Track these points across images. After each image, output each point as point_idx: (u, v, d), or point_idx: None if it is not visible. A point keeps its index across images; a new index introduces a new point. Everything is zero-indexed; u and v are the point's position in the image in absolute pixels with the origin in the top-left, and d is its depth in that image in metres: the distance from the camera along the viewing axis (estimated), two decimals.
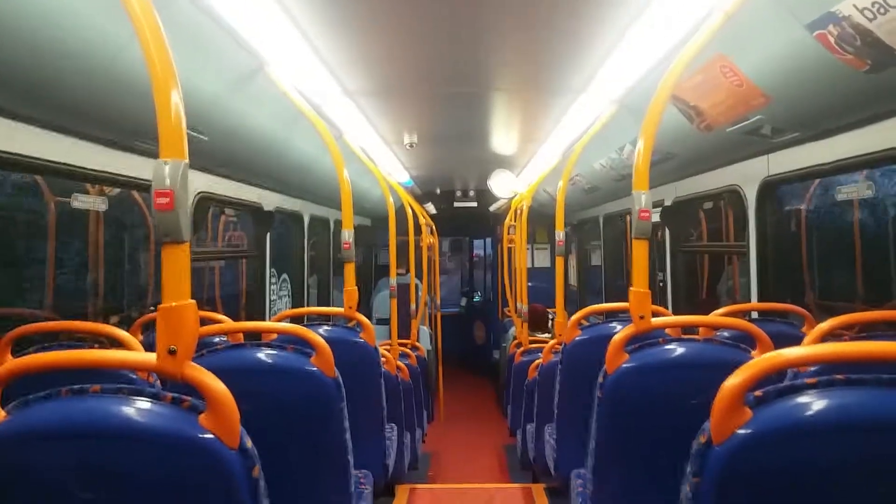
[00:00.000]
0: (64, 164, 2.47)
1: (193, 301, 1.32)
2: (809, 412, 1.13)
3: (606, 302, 6.39)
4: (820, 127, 2.62)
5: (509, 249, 7.49)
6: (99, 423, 1.25)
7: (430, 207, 9.60)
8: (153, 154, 1.30)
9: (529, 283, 6.04)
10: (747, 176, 3.34)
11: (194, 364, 1.30)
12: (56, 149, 2.42)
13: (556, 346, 3.65)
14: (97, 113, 2.37)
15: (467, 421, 7.66)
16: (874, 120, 2.36)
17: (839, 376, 1.14)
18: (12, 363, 1.35)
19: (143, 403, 1.26)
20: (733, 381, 1.16)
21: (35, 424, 1.25)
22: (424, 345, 7.03)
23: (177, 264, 1.30)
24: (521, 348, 5.34)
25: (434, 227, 8.26)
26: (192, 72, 2.48)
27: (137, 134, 2.63)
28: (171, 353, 1.27)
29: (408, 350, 5.67)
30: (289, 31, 2.49)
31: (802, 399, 1.14)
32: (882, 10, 1.65)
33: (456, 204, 9.65)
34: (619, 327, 2.59)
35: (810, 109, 2.44)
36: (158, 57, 1.27)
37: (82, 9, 1.84)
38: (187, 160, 1.30)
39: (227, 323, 2.64)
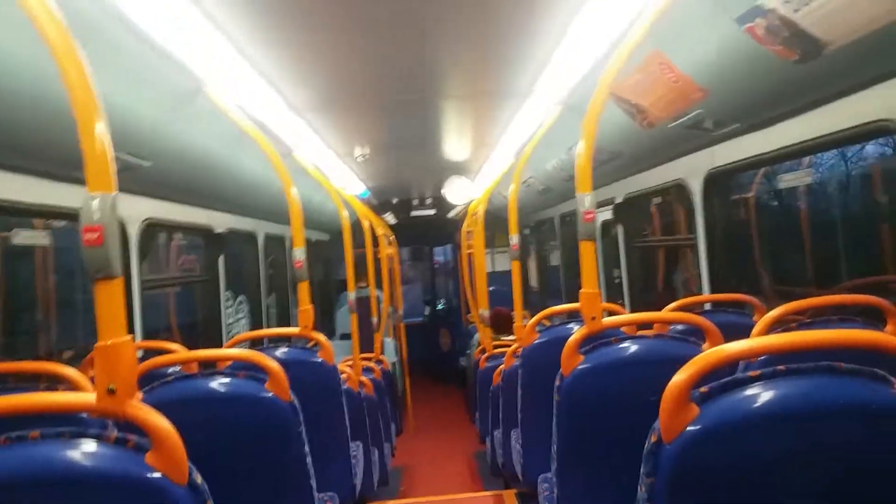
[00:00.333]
0: (3, 199, 2.39)
1: (130, 337, 1.27)
2: (753, 405, 1.14)
3: (566, 302, 6.44)
4: (758, 117, 2.68)
5: (469, 255, 7.50)
6: (40, 471, 1.20)
7: (389, 217, 9.57)
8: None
9: (491, 287, 6.04)
10: (693, 169, 3.40)
11: (135, 403, 1.26)
12: None
13: (518, 350, 3.65)
14: (30, 146, 2.30)
15: (437, 431, 7.62)
16: (810, 107, 2.41)
17: (781, 367, 1.16)
18: None
19: (87, 446, 1.22)
20: (679, 378, 1.17)
21: None
22: (389, 357, 6.98)
23: (110, 300, 1.25)
24: (486, 354, 5.34)
25: (393, 238, 8.22)
26: (128, 97, 2.42)
27: (75, 165, 2.55)
28: (111, 392, 1.23)
29: (372, 364, 5.62)
30: (226, 49, 2.44)
31: (746, 392, 1.15)
32: (805, 2, 1.69)
33: (413, 213, 9.64)
34: (576, 328, 2.60)
35: (747, 101, 2.49)
36: (80, 89, 1.23)
37: (4, 42, 1.78)
38: (116, 192, 1.26)
39: (177, 353, 2.58)
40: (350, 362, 4.35)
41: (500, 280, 8.74)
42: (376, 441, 4.36)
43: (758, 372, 1.16)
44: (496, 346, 5.47)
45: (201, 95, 2.81)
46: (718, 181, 3.29)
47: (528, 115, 3.90)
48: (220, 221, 4.58)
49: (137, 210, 3.42)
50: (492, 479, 5.00)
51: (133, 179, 2.97)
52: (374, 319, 6.46)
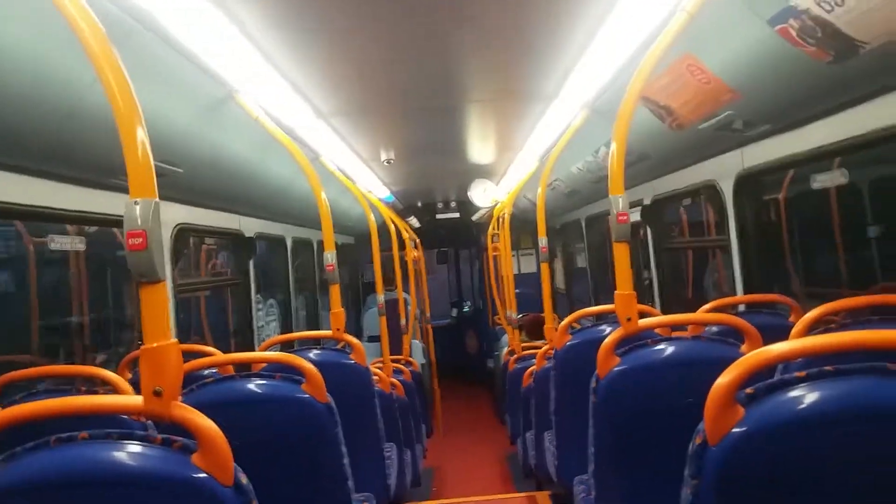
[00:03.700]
0: (41, 206, 2.45)
1: (175, 340, 1.30)
2: (801, 406, 1.13)
3: (595, 304, 6.40)
4: (790, 118, 2.65)
5: (495, 257, 7.49)
6: (90, 471, 1.23)
7: (413, 221, 9.61)
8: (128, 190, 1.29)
9: (517, 290, 6.04)
10: (723, 170, 3.37)
11: (181, 403, 1.29)
12: (31, 192, 2.40)
13: (549, 351, 3.65)
14: (69, 154, 2.35)
15: (467, 432, 7.63)
16: (843, 108, 2.38)
17: (828, 368, 1.14)
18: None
19: (134, 447, 1.25)
20: (723, 380, 1.16)
21: (26, 476, 1.23)
22: (417, 359, 7.00)
23: (155, 303, 1.28)
24: (515, 356, 5.33)
25: (418, 241, 8.25)
26: (161, 105, 2.47)
27: (111, 172, 2.61)
28: (157, 394, 1.26)
29: (401, 366, 5.65)
30: (256, 57, 2.48)
31: (793, 393, 1.14)
32: (839, 2, 1.67)
33: (438, 216, 9.66)
34: (608, 329, 2.60)
35: (779, 102, 2.47)
36: (122, 97, 1.26)
37: (44, 53, 1.83)
38: (157, 198, 1.29)
39: (215, 356, 2.62)
40: (380, 364, 4.38)
41: (525, 282, 8.72)
42: (408, 442, 4.38)
43: (804, 373, 1.15)
44: (525, 348, 5.47)
45: (232, 103, 2.86)
46: (750, 182, 3.26)
47: (554, 117, 3.90)
48: (250, 226, 4.64)
49: (170, 215, 3.48)
50: (524, 481, 4.99)
51: (166, 186, 3.02)
52: (403, 322, 6.49)
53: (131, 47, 2.04)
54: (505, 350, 6.65)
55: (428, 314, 8.19)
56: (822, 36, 1.83)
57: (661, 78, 2.67)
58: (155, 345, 1.27)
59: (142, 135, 1.28)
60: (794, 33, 1.91)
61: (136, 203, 1.27)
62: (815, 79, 2.11)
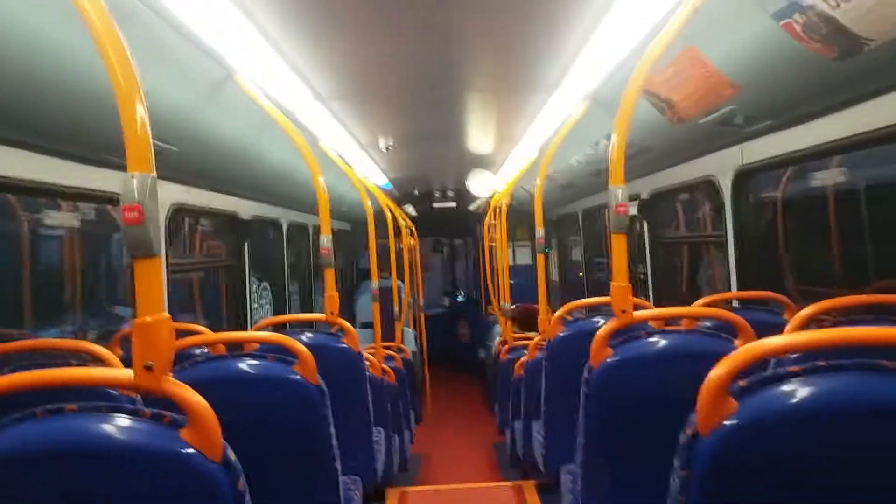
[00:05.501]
0: (35, 181, 2.43)
1: (168, 315, 1.30)
2: (795, 400, 1.13)
3: (588, 296, 6.42)
4: (791, 115, 2.65)
5: (490, 248, 7.50)
6: (78, 443, 1.22)
7: (410, 209, 9.60)
8: (124, 168, 1.28)
9: (511, 281, 6.05)
10: (722, 165, 3.37)
11: (172, 378, 1.28)
12: (26, 167, 2.38)
13: (541, 342, 3.65)
14: (65, 129, 2.34)
15: (455, 420, 7.65)
16: (845, 105, 2.38)
17: (822, 363, 1.15)
18: None
19: (122, 421, 1.24)
20: (717, 371, 1.17)
21: (12, 446, 1.22)
22: (409, 346, 7.02)
23: (149, 278, 1.28)
24: (507, 346, 5.34)
25: (414, 229, 8.24)
26: (159, 83, 2.45)
27: (108, 148, 2.59)
28: (148, 368, 1.25)
29: (392, 352, 5.66)
30: (256, 38, 2.47)
31: (787, 387, 1.14)
32: None
33: (435, 205, 9.66)
34: (601, 322, 2.60)
35: (781, 98, 2.47)
36: (121, 71, 1.25)
37: (43, 26, 1.81)
38: (154, 173, 1.28)
39: (207, 334, 2.62)
40: (372, 350, 4.38)
41: (519, 273, 8.74)
42: (397, 428, 4.39)
43: (798, 367, 1.15)
44: (517, 339, 5.47)
45: (231, 84, 2.84)
46: (748, 178, 3.26)
47: (554, 109, 3.89)
48: (246, 208, 4.63)
49: (166, 195, 3.46)
50: (510, 470, 5.01)
51: (163, 165, 3.00)
52: (396, 309, 6.49)
53: (133, 25, 2.03)
54: (497, 340, 6.66)
55: (421, 302, 8.19)
56: (827, 32, 1.83)
57: (664, 71, 2.67)
58: (148, 319, 1.26)
59: (141, 109, 1.27)
60: (798, 29, 1.90)
61: (132, 177, 1.26)
62: (818, 75, 2.11)
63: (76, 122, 2.29)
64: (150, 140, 1.29)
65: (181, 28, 2.25)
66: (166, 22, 2.19)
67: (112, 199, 2.96)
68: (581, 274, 7.33)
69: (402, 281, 7.28)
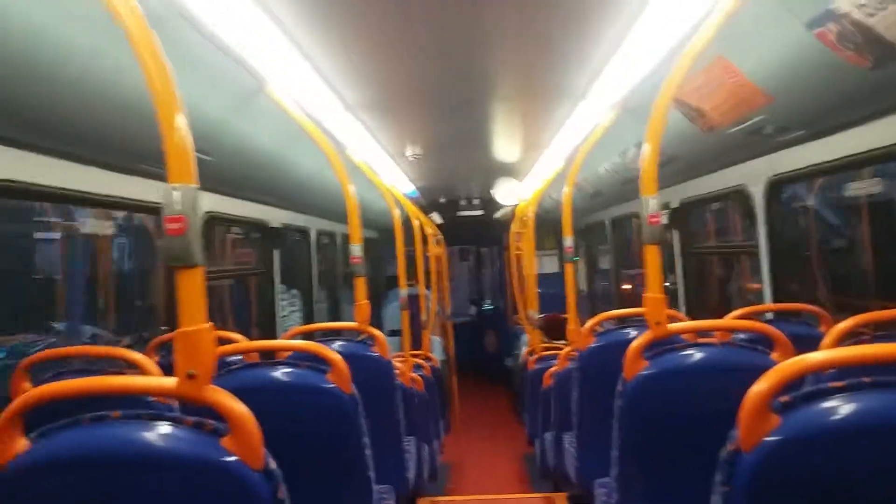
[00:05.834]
0: (71, 189, 2.49)
1: (210, 324, 1.32)
2: (839, 416, 1.12)
3: (618, 307, 6.36)
4: (824, 124, 2.62)
5: (517, 256, 7.48)
6: (122, 451, 1.25)
7: (436, 217, 9.62)
8: (158, 176, 1.31)
9: (538, 290, 6.03)
10: (753, 175, 3.34)
11: (214, 387, 1.30)
12: (63, 175, 2.44)
13: (572, 352, 3.63)
14: (101, 138, 2.39)
15: (484, 430, 7.62)
16: (880, 115, 2.35)
17: (866, 379, 1.13)
18: (33, 392, 1.35)
19: (165, 428, 1.26)
20: (759, 387, 1.15)
21: (59, 453, 1.25)
22: (437, 355, 7.01)
23: (191, 288, 1.30)
24: (535, 356, 5.32)
25: (441, 237, 8.25)
26: (194, 94, 2.49)
27: (143, 157, 2.65)
28: (191, 376, 1.27)
29: (421, 361, 5.66)
30: (288, 49, 2.50)
31: (830, 403, 1.13)
32: (882, 6, 1.65)
33: (461, 213, 9.65)
34: (633, 333, 2.58)
35: (813, 108, 2.44)
36: (161, 83, 1.28)
37: (82, 36, 1.85)
38: (197, 184, 1.31)
39: (243, 342, 2.65)
40: (401, 358, 4.39)
41: (546, 283, 8.70)
42: (427, 437, 4.39)
43: (842, 383, 1.14)
44: (545, 349, 5.44)
45: (262, 94, 2.88)
46: (780, 188, 3.22)
47: (582, 117, 3.87)
48: (275, 217, 4.68)
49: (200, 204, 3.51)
50: (540, 482, 4.98)
51: (197, 175, 3.06)
52: (423, 317, 6.50)
53: (167, 36, 2.07)
54: (524, 349, 6.63)
55: (448, 311, 8.19)
56: (862, 41, 1.81)
57: (694, 79, 2.65)
58: (191, 328, 1.28)
59: (181, 121, 1.29)
60: (832, 37, 1.88)
61: (174, 189, 1.28)
62: (852, 85, 2.08)
63: (113, 132, 2.34)
64: (192, 151, 1.32)
65: (213, 38, 2.29)
66: (200, 33, 2.23)
67: (146, 208, 3.01)
68: (609, 283, 7.27)
69: (429, 289, 7.29)
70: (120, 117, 2.23)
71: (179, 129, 1.29)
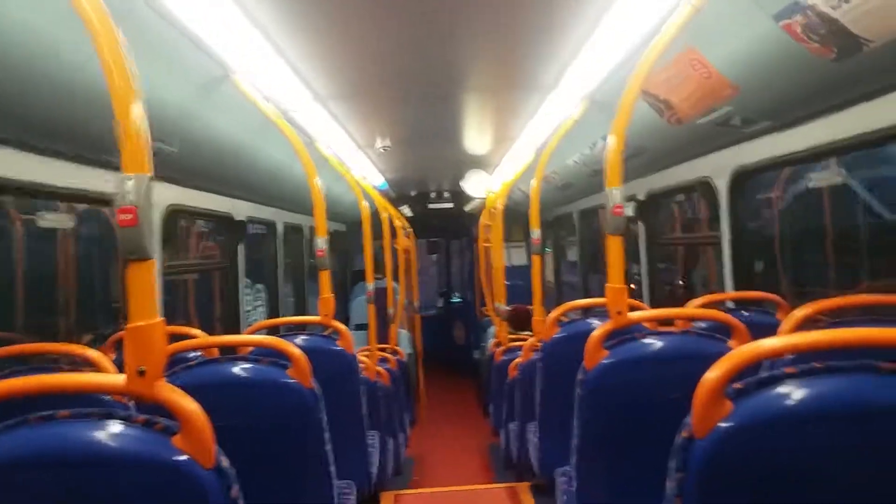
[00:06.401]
0: (30, 182, 2.40)
1: (161, 319, 1.28)
2: (791, 402, 1.12)
3: (584, 298, 6.40)
4: (789, 116, 2.64)
5: (486, 249, 7.48)
6: (70, 450, 1.21)
7: (406, 210, 9.58)
8: (118, 167, 1.26)
9: (507, 282, 6.04)
10: (719, 167, 3.37)
11: (165, 384, 1.26)
12: (21, 167, 2.35)
13: (536, 344, 3.64)
14: (61, 129, 2.31)
15: (450, 422, 7.64)
16: (843, 107, 2.37)
17: (818, 364, 1.14)
18: None
19: (115, 427, 1.23)
20: (713, 373, 1.16)
21: (4, 453, 1.21)
22: (404, 348, 6.99)
23: (143, 282, 1.26)
24: (501, 347, 5.33)
25: (410, 230, 8.22)
26: (156, 82, 2.42)
27: (104, 149, 2.57)
28: (141, 373, 1.23)
29: (387, 355, 5.63)
30: (254, 37, 2.44)
31: (783, 389, 1.14)
32: None
33: (431, 205, 9.63)
34: (596, 323, 2.59)
35: (779, 99, 2.46)
36: (117, 70, 1.23)
37: (39, 23, 1.78)
38: (151, 174, 1.26)
39: (201, 338, 2.59)
40: (366, 352, 4.36)
41: (515, 274, 8.72)
42: (391, 431, 4.37)
43: (794, 369, 1.14)
44: (512, 340, 5.46)
45: (227, 83, 2.82)
46: (745, 179, 3.25)
47: (552, 109, 3.87)
48: (241, 209, 4.60)
49: (161, 196, 3.43)
50: (505, 472, 5.00)
51: (159, 165, 2.97)
52: (391, 311, 6.47)
53: (129, 22, 2.00)
54: (492, 341, 6.65)
55: (417, 304, 8.17)
56: (827, 33, 1.82)
57: (662, 72, 2.66)
58: (140, 324, 1.24)
59: (137, 109, 1.25)
60: (798, 29, 1.90)
61: (128, 178, 1.24)
62: (817, 76, 2.10)
63: (71, 121, 2.27)
64: (148, 140, 1.27)
65: (177, 24, 2.22)
66: (163, 18, 2.17)
67: (105, 200, 2.93)
68: (576, 275, 7.32)
69: (397, 282, 7.25)
70: (81, 105, 2.15)
71: (135, 119, 1.24)
